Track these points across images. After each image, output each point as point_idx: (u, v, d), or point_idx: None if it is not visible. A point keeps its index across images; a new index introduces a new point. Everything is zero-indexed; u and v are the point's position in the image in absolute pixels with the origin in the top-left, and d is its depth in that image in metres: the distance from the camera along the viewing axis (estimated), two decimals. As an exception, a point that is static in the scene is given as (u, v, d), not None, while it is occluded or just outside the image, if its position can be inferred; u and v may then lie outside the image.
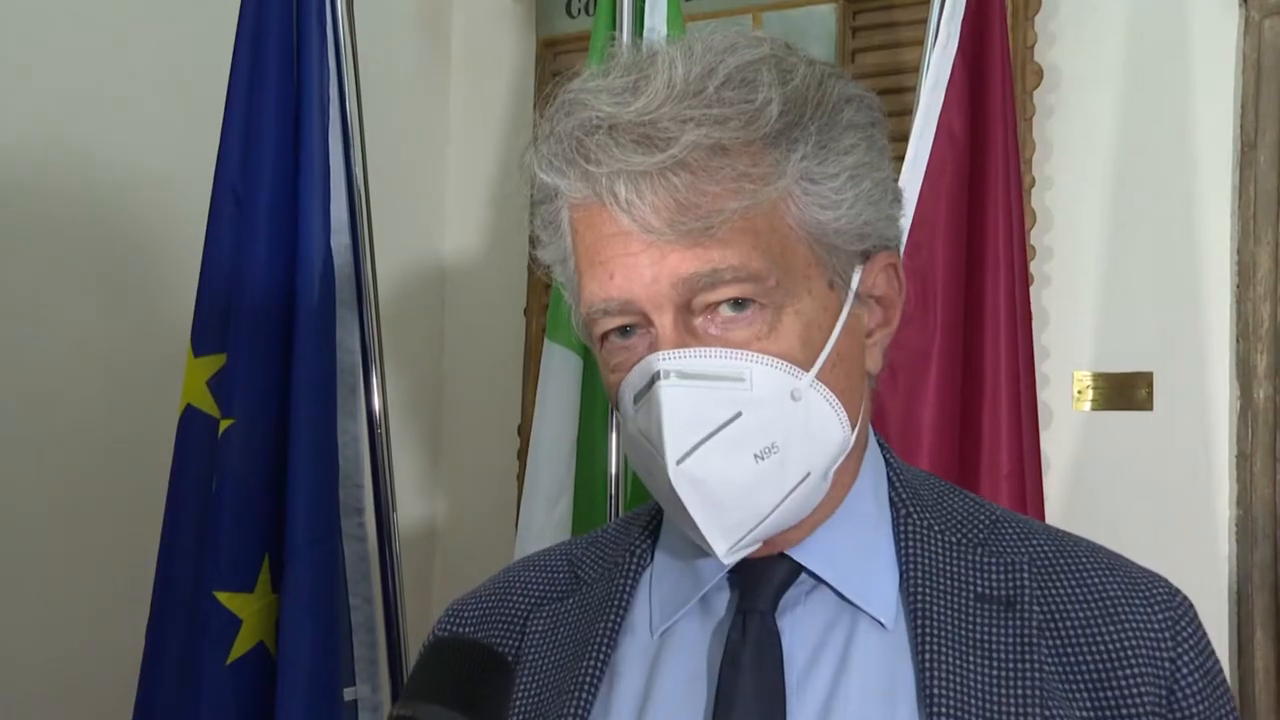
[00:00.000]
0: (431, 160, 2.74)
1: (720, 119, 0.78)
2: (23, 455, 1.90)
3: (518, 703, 0.91)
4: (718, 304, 0.80)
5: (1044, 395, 2.13)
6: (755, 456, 0.80)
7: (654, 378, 0.80)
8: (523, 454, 2.46)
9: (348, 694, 1.77)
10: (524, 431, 2.54)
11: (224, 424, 1.73)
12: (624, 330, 0.83)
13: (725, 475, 0.80)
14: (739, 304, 0.80)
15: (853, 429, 0.85)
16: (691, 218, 0.78)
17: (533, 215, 0.87)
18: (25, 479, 1.90)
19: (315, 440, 1.76)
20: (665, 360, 0.80)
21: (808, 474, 0.83)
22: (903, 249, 0.94)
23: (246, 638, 1.71)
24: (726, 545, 0.82)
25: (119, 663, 1.80)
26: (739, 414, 0.80)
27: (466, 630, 0.98)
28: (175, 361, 1.81)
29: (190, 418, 1.77)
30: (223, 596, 1.69)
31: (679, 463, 0.80)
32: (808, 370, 0.82)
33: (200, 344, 1.78)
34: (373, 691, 1.81)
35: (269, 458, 1.74)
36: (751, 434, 0.80)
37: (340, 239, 1.86)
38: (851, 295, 0.85)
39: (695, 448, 0.80)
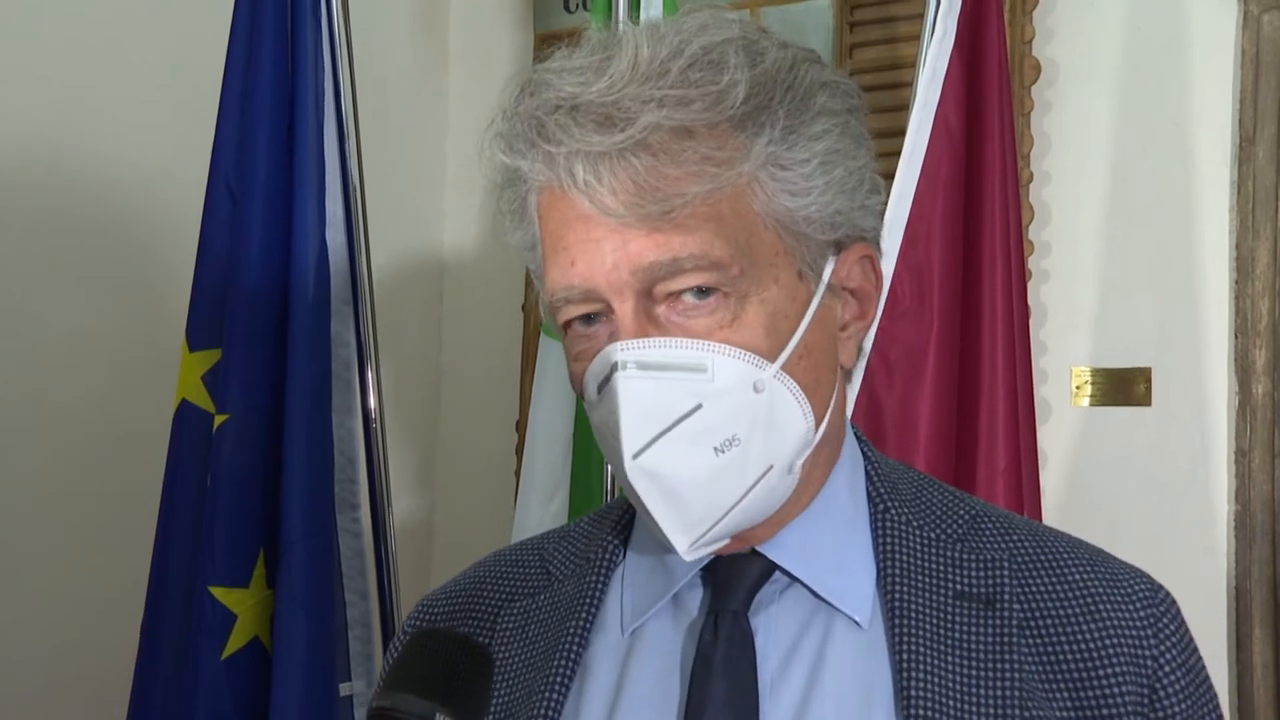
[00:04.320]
0: (430, 155, 2.74)
1: (683, 100, 0.77)
2: (18, 450, 1.90)
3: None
4: (680, 292, 0.79)
5: (1042, 390, 2.13)
6: (715, 449, 0.79)
7: (613, 368, 0.78)
8: (520, 450, 2.46)
9: (343, 689, 1.78)
10: (521, 427, 2.53)
11: (219, 419, 1.73)
12: (587, 318, 0.82)
13: (684, 469, 0.79)
14: (701, 292, 0.79)
15: (819, 423, 0.84)
16: (650, 200, 0.76)
17: (499, 198, 0.86)
18: (20, 473, 1.90)
19: (310, 435, 1.76)
20: (624, 350, 0.78)
21: (770, 467, 0.81)
22: (884, 242, 0.92)
23: (242, 633, 1.71)
24: (688, 541, 0.81)
25: (114, 658, 1.80)
26: (699, 406, 0.78)
27: (437, 626, 0.97)
28: (170, 356, 1.81)
29: (185, 412, 1.77)
30: (218, 592, 1.70)
31: (635, 457, 0.78)
32: (772, 361, 0.80)
33: (195, 339, 1.78)
34: (368, 687, 1.81)
35: (264, 453, 1.74)
36: (712, 426, 0.79)
37: (336, 234, 1.86)
38: (823, 287, 0.83)
39: (653, 441, 0.78)
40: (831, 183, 0.82)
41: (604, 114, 0.77)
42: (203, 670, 1.68)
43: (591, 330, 0.82)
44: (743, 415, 0.79)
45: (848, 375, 0.91)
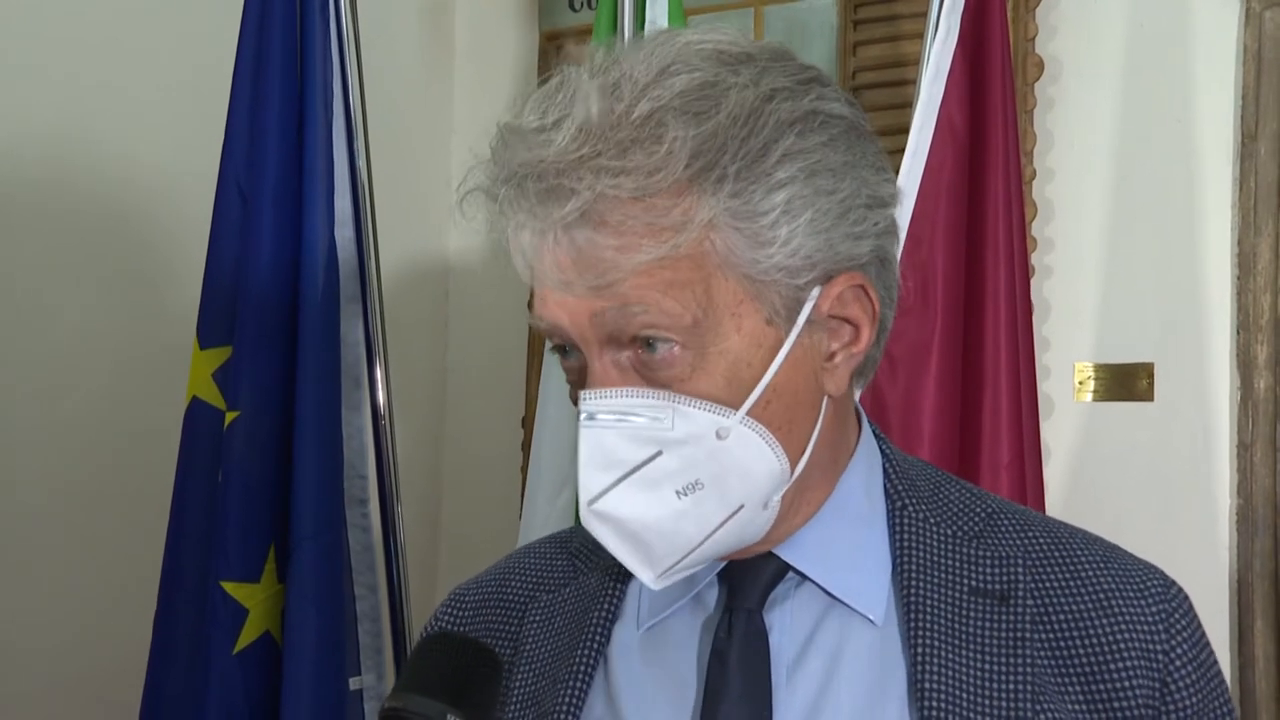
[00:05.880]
0: (436, 153, 2.75)
1: (624, 170, 0.76)
2: (30, 447, 1.92)
3: (515, 691, 0.92)
4: (640, 340, 0.80)
5: (1045, 386, 2.14)
6: (677, 493, 0.81)
7: (579, 416, 0.81)
8: (526, 446, 2.47)
9: (353, 683, 1.79)
10: (528, 424, 2.55)
11: (229, 416, 1.74)
12: (566, 349, 0.84)
13: (641, 513, 0.81)
14: (657, 344, 0.80)
15: (796, 459, 0.84)
16: (591, 275, 0.78)
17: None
18: (32, 470, 1.92)
19: (320, 432, 1.77)
20: (587, 400, 0.81)
21: (740, 506, 0.82)
22: (899, 253, 0.90)
23: (253, 627, 1.73)
24: (653, 574, 0.83)
25: (127, 652, 1.82)
26: (659, 453, 0.80)
27: (466, 617, 0.99)
28: (181, 354, 1.82)
29: (196, 410, 1.79)
30: (229, 586, 1.71)
31: (590, 504, 0.81)
32: (736, 408, 0.80)
33: (206, 336, 1.79)
34: (377, 680, 1.82)
35: (274, 449, 1.75)
36: (672, 472, 0.80)
37: (344, 232, 1.87)
38: (798, 326, 0.82)
39: (609, 489, 0.81)
40: (798, 228, 0.80)
41: (553, 184, 0.78)
42: (215, 664, 1.69)
43: (570, 362, 0.85)
44: (705, 461, 0.80)
45: (862, 385, 0.92)
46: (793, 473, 0.84)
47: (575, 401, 0.85)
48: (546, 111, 0.80)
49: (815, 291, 0.83)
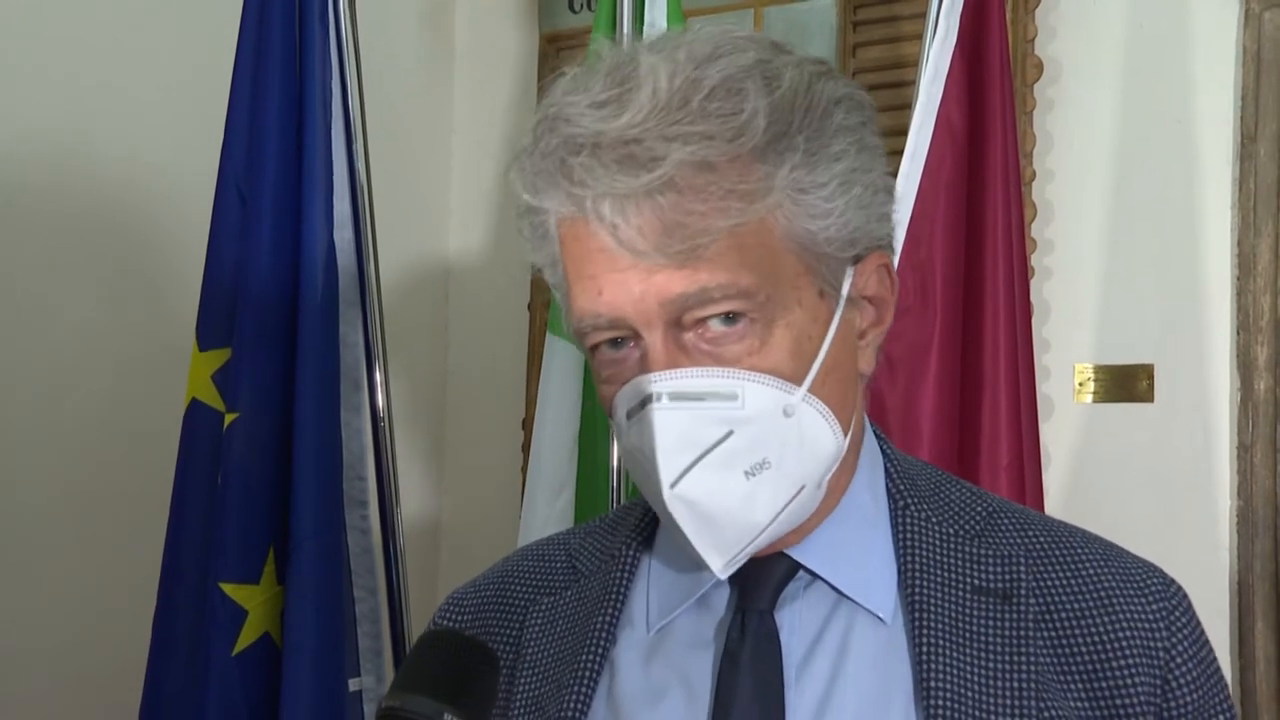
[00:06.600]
0: (435, 155, 2.75)
1: (706, 135, 0.76)
2: (29, 448, 1.92)
3: (518, 695, 0.92)
4: (708, 319, 0.79)
5: (1045, 387, 2.14)
6: (746, 474, 0.80)
7: (646, 399, 0.80)
8: (526, 447, 2.47)
9: (352, 685, 1.79)
10: (527, 425, 2.55)
11: (229, 418, 1.74)
12: (614, 342, 0.83)
13: (717, 494, 0.80)
14: (730, 318, 0.79)
15: (846, 436, 0.85)
16: (678, 240, 0.77)
17: (520, 223, 0.86)
18: (32, 471, 1.92)
19: (319, 434, 1.77)
20: (657, 382, 0.79)
21: (802, 487, 0.83)
22: (898, 244, 0.92)
23: (252, 629, 1.72)
24: (722, 561, 0.83)
25: (126, 654, 1.82)
26: (730, 433, 0.80)
27: (465, 620, 0.98)
28: (180, 355, 1.82)
29: (195, 411, 1.78)
30: (228, 588, 1.71)
31: (673, 486, 0.80)
32: (800, 385, 0.81)
33: (205, 338, 1.79)
34: (377, 682, 1.82)
35: (274, 451, 1.75)
36: (742, 452, 0.80)
37: (344, 234, 1.86)
38: (843, 301, 0.84)
39: (688, 470, 0.80)
40: (851, 201, 0.82)
41: (627, 153, 0.77)
42: (214, 666, 1.69)
43: (620, 354, 0.83)
44: (772, 440, 0.81)
45: (865, 378, 0.92)
46: (844, 449, 0.85)
47: (608, 404, 0.84)
48: (601, 89, 0.80)
49: (851, 269, 0.85)
